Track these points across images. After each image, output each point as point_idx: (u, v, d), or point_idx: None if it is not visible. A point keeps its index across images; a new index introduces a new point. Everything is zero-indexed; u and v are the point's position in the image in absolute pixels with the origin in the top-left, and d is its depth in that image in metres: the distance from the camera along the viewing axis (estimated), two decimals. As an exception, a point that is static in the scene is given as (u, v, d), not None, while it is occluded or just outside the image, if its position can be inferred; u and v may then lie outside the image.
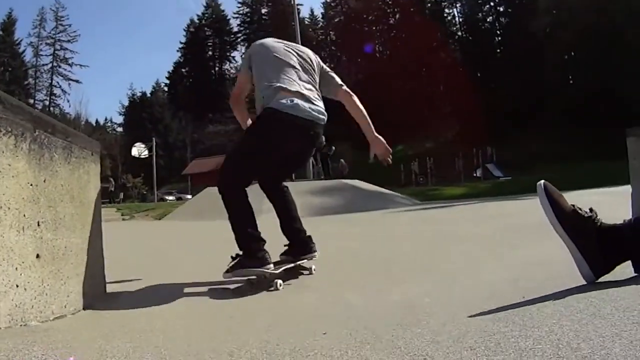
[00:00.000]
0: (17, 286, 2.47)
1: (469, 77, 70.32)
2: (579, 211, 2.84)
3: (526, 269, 4.02)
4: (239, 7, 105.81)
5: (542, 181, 2.93)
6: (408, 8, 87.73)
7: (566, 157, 48.68)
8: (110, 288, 3.99)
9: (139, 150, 47.33)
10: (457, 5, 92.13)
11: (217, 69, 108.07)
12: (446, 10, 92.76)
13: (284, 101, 4.26)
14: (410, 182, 51.25)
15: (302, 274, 4.74)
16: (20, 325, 2.47)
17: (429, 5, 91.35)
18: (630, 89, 50.88)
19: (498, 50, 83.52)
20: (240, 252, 4.27)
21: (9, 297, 2.40)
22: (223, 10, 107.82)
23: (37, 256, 2.70)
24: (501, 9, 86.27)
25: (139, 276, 4.98)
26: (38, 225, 2.74)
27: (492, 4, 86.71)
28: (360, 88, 57.30)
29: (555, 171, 38.57)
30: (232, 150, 4.89)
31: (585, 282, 2.76)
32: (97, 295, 3.56)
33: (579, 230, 2.78)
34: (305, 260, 4.84)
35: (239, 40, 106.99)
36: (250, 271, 4.17)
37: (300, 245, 4.90)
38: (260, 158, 4.57)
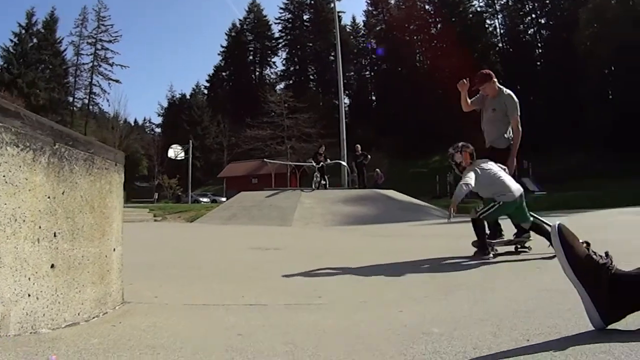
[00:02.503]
0: (29, 295, 2.56)
1: (508, 87, 69.21)
2: (593, 256, 2.72)
3: (542, 297, 3.92)
4: (280, 13, 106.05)
5: (558, 223, 2.83)
6: (450, 18, 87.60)
7: (602, 173, 48.20)
8: (128, 295, 3.99)
9: (175, 151, 47.67)
10: (499, 16, 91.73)
11: (257, 73, 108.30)
12: (487, 22, 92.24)
13: None
14: (446, 193, 50.95)
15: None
16: (30, 333, 2.55)
17: (471, 16, 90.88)
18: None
19: (538, 63, 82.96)
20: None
21: (19, 305, 2.49)
22: (265, 16, 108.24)
23: (52, 266, 2.78)
24: (542, 21, 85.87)
25: (160, 283, 5.09)
26: (54, 236, 2.82)
27: (533, 15, 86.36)
28: (399, 97, 57.22)
29: (590, 187, 38.27)
30: None
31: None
32: (113, 303, 3.60)
33: (591, 276, 2.68)
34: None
35: (279, 45, 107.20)
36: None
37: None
38: None
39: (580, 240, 2.80)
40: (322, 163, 24.63)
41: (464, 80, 7.74)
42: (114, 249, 3.66)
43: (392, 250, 8.27)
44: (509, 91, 7.69)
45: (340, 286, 5.07)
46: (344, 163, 31.34)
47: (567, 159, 55.62)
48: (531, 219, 7.01)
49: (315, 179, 24.71)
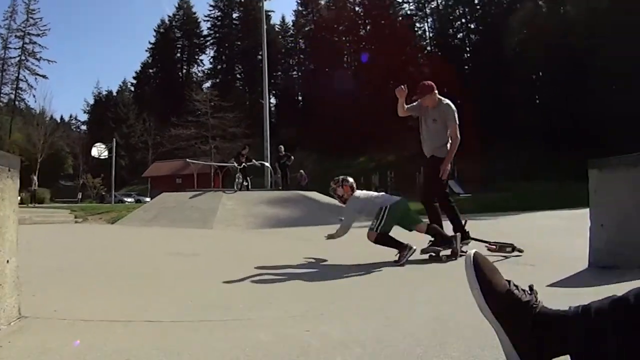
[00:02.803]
0: None
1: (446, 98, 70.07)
2: (515, 292, 2.24)
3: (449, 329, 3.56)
4: (210, 10, 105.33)
5: (473, 252, 2.41)
6: (379, 20, 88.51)
7: (529, 176, 49.28)
8: (27, 309, 3.80)
9: (98, 150, 46.89)
10: (429, 20, 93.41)
11: (184, 71, 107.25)
12: (417, 25, 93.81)
13: None
14: (372, 194, 51.48)
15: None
16: None
17: (400, 18, 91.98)
18: (595, 113, 51.84)
19: (467, 67, 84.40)
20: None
21: None
22: (195, 13, 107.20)
23: None
24: (472, 26, 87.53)
25: (65, 293, 4.95)
26: None
27: (463, 20, 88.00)
28: (326, 98, 57.37)
29: (516, 190, 39.09)
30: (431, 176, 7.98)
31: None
32: (8, 318, 3.45)
33: (512, 316, 2.21)
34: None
35: (208, 43, 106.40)
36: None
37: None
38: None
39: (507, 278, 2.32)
40: (244, 164, 24.54)
41: (403, 87, 7.95)
42: (8, 261, 3.48)
43: (312, 255, 8.33)
44: (447, 101, 8.00)
45: (253, 298, 4.96)
46: (267, 164, 31.34)
47: (495, 163, 56.62)
48: (424, 220, 7.77)
49: (237, 180, 24.63)
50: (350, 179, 8.16)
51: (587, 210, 6.09)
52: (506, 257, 7.35)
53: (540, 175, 49.04)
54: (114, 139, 47.98)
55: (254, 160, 26.00)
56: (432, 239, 7.55)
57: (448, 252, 7.36)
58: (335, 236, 7.79)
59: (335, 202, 23.62)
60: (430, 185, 8.26)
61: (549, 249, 8.46)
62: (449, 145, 7.98)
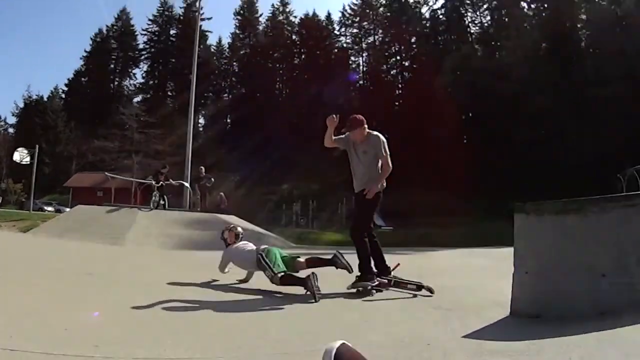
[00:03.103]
0: None
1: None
2: None
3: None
4: (148, 25, 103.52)
5: (337, 345, 2.04)
6: (314, 51, 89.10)
7: (453, 211, 50.23)
8: None
9: (20, 155, 45.79)
10: (364, 54, 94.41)
11: (116, 83, 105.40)
12: (352, 58, 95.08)
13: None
14: (291, 222, 51.62)
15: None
16: None
17: (336, 50, 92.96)
18: (517, 158, 53.56)
19: (397, 103, 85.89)
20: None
21: None
22: (133, 25, 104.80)
23: None
24: (406, 64, 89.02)
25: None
26: None
27: (398, 57, 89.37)
28: (255, 122, 57.55)
29: (438, 225, 39.76)
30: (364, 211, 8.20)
31: None
32: None
33: None
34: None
35: (142, 57, 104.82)
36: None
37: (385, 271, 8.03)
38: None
39: None
40: (162, 182, 24.46)
41: (334, 116, 8.04)
42: None
43: (218, 284, 8.45)
44: (376, 133, 8.11)
45: (125, 335, 4.66)
46: (187, 184, 31.27)
47: (419, 197, 57.35)
48: (301, 258, 8.23)
49: (153, 198, 24.53)
50: (240, 229, 8.94)
51: (512, 249, 6.01)
52: (415, 296, 7.46)
53: (464, 212, 50.13)
54: (37, 145, 46.95)
55: (171, 180, 25.82)
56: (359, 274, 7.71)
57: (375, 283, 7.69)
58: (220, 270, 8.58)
59: (254, 227, 23.76)
60: (361, 220, 8.26)
61: (470, 290, 8.32)
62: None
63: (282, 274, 7.60)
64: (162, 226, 19.82)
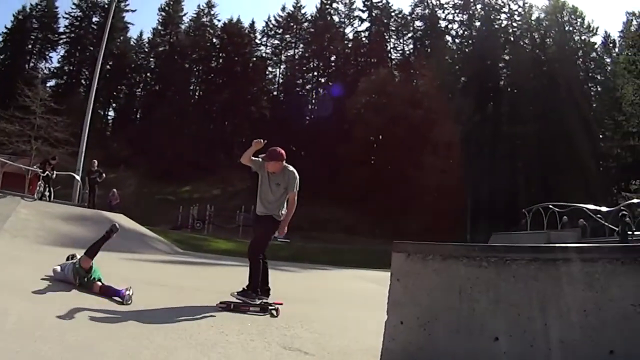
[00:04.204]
0: None
1: (272, 134, 70.92)
2: None
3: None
4: (72, 9, 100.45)
5: None
6: (233, 57, 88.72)
7: (355, 230, 50.79)
8: None
9: None
10: (282, 66, 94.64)
11: (31, 64, 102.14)
12: (269, 69, 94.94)
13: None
14: (187, 225, 51.27)
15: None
16: None
17: (254, 59, 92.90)
18: (422, 180, 54.96)
19: (308, 118, 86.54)
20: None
21: None
22: (57, 7, 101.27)
23: None
24: (322, 80, 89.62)
25: None
26: None
27: (315, 73, 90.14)
28: (165, 121, 57.09)
29: (339, 242, 40.10)
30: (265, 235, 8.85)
31: None
32: None
33: None
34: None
35: (61, 42, 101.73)
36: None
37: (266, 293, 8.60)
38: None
39: None
40: (47, 173, 23.93)
41: (262, 140, 8.79)
42: None
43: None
44: (292, 169, 8.68)
45: None
46: (78, 177, 30.61)
47: (322, 212, 57.57)
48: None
49: (38, 188, 24.01)
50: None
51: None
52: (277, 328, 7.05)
53: (369, 231, 50.85)
54: None
55: (55, 172, 25.23)
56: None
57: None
58: None
59: (140, 228, 23.52)
60: (260, 243, 8.83)
61: (342, 326, 7.97)
62: (284, 209, 8.67)
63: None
64: (43, 219, 19.09)
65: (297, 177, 8.59)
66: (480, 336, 4.61)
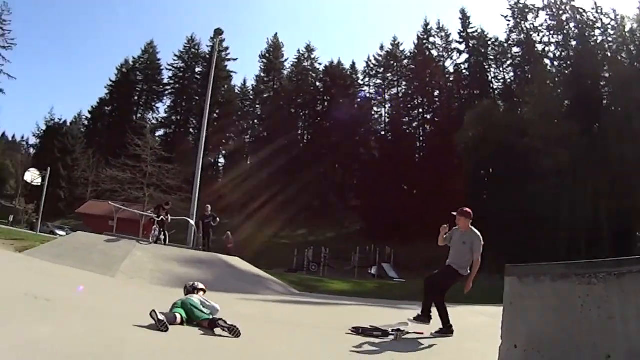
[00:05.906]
0: None
1: (383, 175, 71.33)
2: None
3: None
4: (174, 60, 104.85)
5: None
6: (338, 99, 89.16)
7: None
8: None
9: (32, 176, 46.03)
10: (387, 105, 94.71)
11: (138, 115, 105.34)
12: (375, 109, 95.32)
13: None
14: (302, 268, 51.18)
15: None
16: None
17: (359, 100, 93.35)
18: (535, 213, 53.16)
19: (417, 156, 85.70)
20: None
21: None
22: (159, 59, 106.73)
23: None
24: (428, 117, 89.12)
25: None
26: None
27: (420, 110, 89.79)
28: (276, 165, 57.52)
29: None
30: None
31: None
32: None
33: None
34: None
35: (166, 92, 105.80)
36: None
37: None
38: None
39: None
40: (162, 217, 24.11)
41: (446, 225, 10.44)
42: None
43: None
44: (477, 232, 10.12)
45: None
46: (192, 221, 30.82)
47: (431, 250, 56.73)
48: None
49: (153, 232, 24.21)
50: (200, 285, 9.42)
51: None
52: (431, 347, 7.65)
53: (484, 268, 49.80)
54: (49, 168, 46.82)
55: (169, 216, 25.39)
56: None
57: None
58: None
59: (256, 270, 23.52)
60: (441, 284, 10.34)
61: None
62: (468, 268, 10.12)
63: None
64: (158, 261, 19.25)
65: (481, 240, 9.95)
66: (592, 355, 4.41)
